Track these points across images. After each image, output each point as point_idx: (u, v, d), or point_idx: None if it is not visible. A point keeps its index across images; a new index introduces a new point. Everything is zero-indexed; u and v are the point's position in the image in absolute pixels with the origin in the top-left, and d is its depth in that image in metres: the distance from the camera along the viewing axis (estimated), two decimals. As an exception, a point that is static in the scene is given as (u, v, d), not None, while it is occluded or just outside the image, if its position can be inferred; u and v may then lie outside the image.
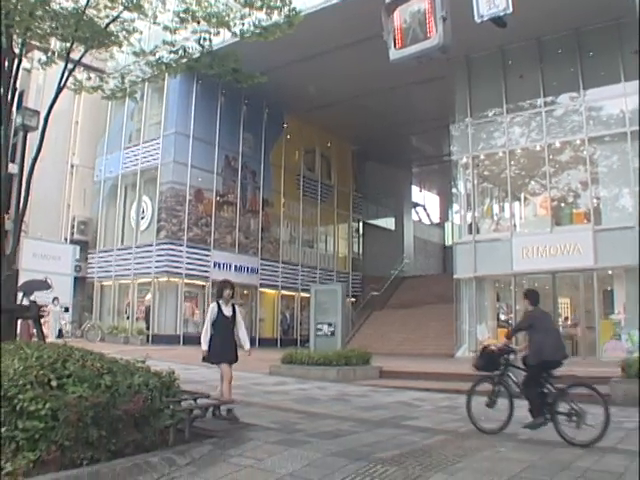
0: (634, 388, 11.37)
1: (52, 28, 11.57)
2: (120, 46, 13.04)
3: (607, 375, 13.06)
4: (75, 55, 12.22)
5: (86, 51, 12.35)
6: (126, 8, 12.03)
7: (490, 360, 8.96)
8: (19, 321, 12.01)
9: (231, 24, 12.84)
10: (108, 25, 12.11)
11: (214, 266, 32.29)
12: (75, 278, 32.12)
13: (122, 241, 33.31)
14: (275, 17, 13.20)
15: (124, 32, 12.68)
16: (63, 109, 28.95)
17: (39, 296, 16.62)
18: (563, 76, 24.96)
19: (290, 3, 12.87)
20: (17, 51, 11.13)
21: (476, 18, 7.34)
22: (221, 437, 7.46)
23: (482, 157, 27.22)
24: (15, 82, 11.00)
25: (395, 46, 7.37)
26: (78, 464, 5.71)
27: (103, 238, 34.27)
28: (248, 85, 14.32)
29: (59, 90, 11.76)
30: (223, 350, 9.14)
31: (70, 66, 11.97)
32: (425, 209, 56.87)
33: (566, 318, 25.42)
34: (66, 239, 33.98)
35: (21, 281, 15.27)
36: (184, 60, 13.55)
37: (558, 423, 7.91)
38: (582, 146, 24.38)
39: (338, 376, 16.43)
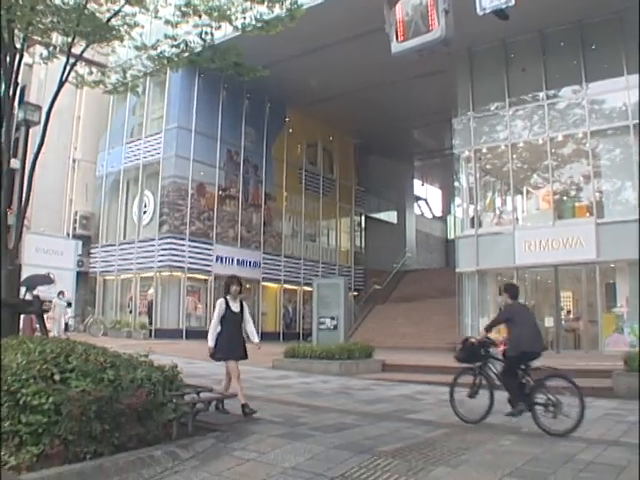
0: (636, 381, 11.36)
1: (53, 23, 11.54)
2: (122, 40, 13.01)
3: (609, 368, 13.06)
4: (77, 50, 12.21)
5: (88, 46, 12.33)
6: (127, 2, 12.00)
7: (471, 352, 9.13)
8: (22, 316, 12.02)
9: (233, 18, 12.81)
10: (109, 19, 12.08)
11: (216, 260, 32.31)
12: (78, 273, 32.18)
13: (124, 236, 33.32)
14: (277, 11, 13.18)
15: (125, 26, 12.64)
16: (65, 104, 28.92)
17: (42, 290, 16.66)
18: (565, 69, 24.85)
19: (292, -4, 12.84)
20: (18, 46, 11.12)
21: (478, 11, 7.33)
22: (224, 431, 7.47)
23: (484, 150, 27.16)
24: (17, 77, 10.99)
25: (397, 39, 7.36)
26: (82, 458, 5.73)
27: (105, 233, 34.28)
28: (250, 79, 14.30)
29: (61, 85, 11.75)
30: (231, 347, 9.00)
31: (72, 61, 11.96)
32: (427, 203, 56.81)
33: (568, 312, 25.39)
34: (68, 234, 34.03)
35: (24, 276, 15.31)
36: (186, 54, 13.52)
37: (536, 413, 8.14)
38: (584, 139, 24.30)
39: (341, 370, 16.45)
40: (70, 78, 12.41)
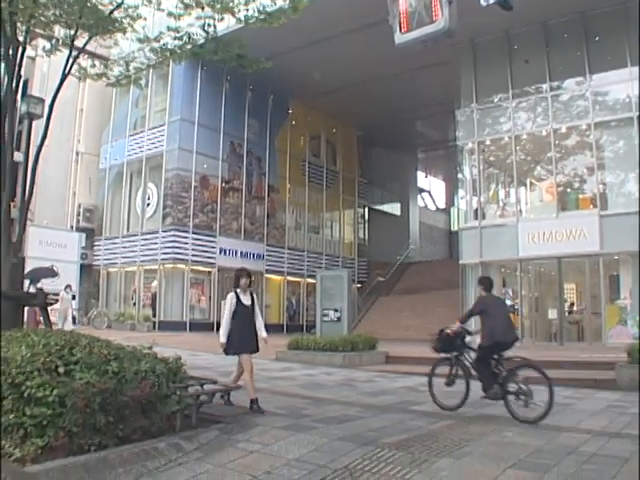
0: (638, 373, 11.37)
1: (56, 15, 11.53)
2: (124, 33, 12.99)
3: (613, 360, 13.06)
4: (79, 42, 12.20)
5: (90, 38, 12.32)
6: (130, -6, 12.02)
7: (447, 342, 9.50)
8: (26, 308, 12.05)
9: (235, 10, 12.78)
10: (112, 12, 12.06)
11: (220, 252, 32.35)
12: (81, 265, 32.20)
13: (128, 228, 33.36)
14: (280, 2, 13.16)
15: (128, 19, 12.62)
16: (68, 97, 28.92)
17: (46, 283, 16.71)
18: (569, 61, 24.77)
19: (295, -12, 12.81)
20: (21, 39, 11.11)
21: (482, 1, 7.31)
22: (228, 422, 7.49)
23: (488, 142, 27.11)
24: (20, 70, 10.99)
25: (400, 30, 7.35)
26: (86, 450, 5.75)
27: (109, 225, 34.34)
28: (253, 71, 14.27)
29: (63, 77, 11.74)
30: (243, 341, 8.81)
31: (74, 53, 11.96)
32: (431, 195, 56.74)
33: (572, 304, 25.40)
34: (72, 227, 34.06)
35: (28, 269, 15.36)
36: (189, 46, 13.51)
37: (508, 402, 8.39)
38: (588, 131, 24.25)
39: (344, 362, 16.46)
40: (73, 71, 12.40)
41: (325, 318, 19.58)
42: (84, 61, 13.89)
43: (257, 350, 9.01)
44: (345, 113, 38.42)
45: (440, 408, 9.15)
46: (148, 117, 33.42)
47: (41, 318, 11.24)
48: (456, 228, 38.64)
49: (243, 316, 8.90)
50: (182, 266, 30.98)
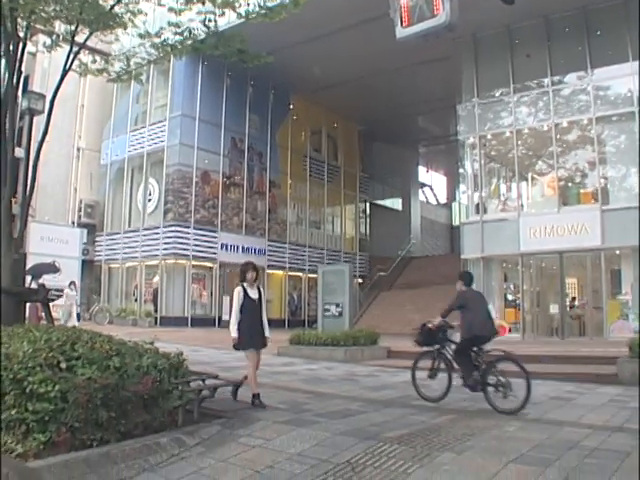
0: (639, 368, 11.37)
1: (56, 11, 11.50)
2: (125, 28, 12.95)
3: (614, 355, 13.06)
4: (80, 38, 12.18)
5: (91, 34, 12.28)
6: (131, -11, 11.99)
7: (429, 336, 9.71)
8: (28, 304, 12.06)
9: (236, 5, 12.74)
10: (113, 7, 12.03)
11: (221, 248, 32.38)
12: (83, 261, 32.23)
13: (129, 224, 33.39)
14: (280, -3, 13.13)
15: (129, 14, 12.59)
16: (69, 93, 28.90)
17: (47, 279, 16.69)
18: (570, 55, 24.73)
19: (295, -17, 12.76)
20: (22, 35, 11.09)
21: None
22: (230, 417, 7.50)
23: (489, 137, 27.10)
24: (20, 66, 10.98)
25: (401, 24, 7.34)
26: (88, 445, 5.76)
27: (110, 221, 34.37)
28: (254, 65, 14.22)
29: (64, 73, 11.72)
30: (251, 336, 8.69)
31: (75, 49, 11.93)
32: (432, 189, 56.77)
33: (573, 298, 25.41)
34: (73, 222, 34.07)
35: (29, 265, 15.35)
36: (189, 42, 13.46)
37: (488, 393, 8.67)
38: (589, 126, 24.22)
39: (346, 356, 16.47)
40: (74, 67, 12.37)
41: (327, 313, 19.56)
42: (85, 57, 13.87)
43: (265, 345, 8.94)
44: (346, 108, 38.41)
45: (423, 400, 9.40)
46: (149, 113, 33.41)
47: (43, 314, 11.24)
48: (457, 223, 38.69)
49: (251, 310, 8.79)
50: (183, 261, 31.01)
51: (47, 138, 11.71)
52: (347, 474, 5.52)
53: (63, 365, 5.92)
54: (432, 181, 57.10)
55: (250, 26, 14.01)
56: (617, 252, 23.32)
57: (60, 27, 12.86)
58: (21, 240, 11.03)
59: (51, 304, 10.88)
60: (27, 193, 11.13)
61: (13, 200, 10.97)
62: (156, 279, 31.38)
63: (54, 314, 11.92)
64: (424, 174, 55.52)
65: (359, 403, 9.06)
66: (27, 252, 19.42)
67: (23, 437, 5.53)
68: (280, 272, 36.39)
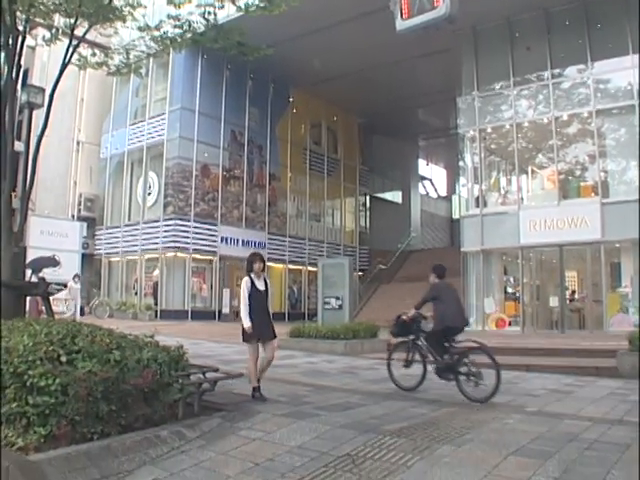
0: (639, 361, 11.38)
1: (56, 4, 11.46)
2: (124, 21, 12.90)
3: (614, 348, 13.07)
4: (79, 31, 12.15)
5: (90, 27, 12.25)
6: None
7: (404, 327, 10.04)
8: (28, 298, 12.06)
9: (235, -3, 12.73)
10: (112, 0, 12.01)
11: (221, 241, 32.40)
12: (83, 255, 32.20)
13: (129, 217, 33.41)
14: (280, -10, 13.07)
15: (128, 7, 12.55)
16: (68, 86, 28.90)
17: (47, 273, 16.72)
18: (571, 48, 24.69)
19: (295, -24, 12.72)
20: (21, 28, 11.06)
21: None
22: (230, 410, 7.50)
23: (489, 130, 27.09)
24: (19, 59, 10.95)
25: (401, 16, 7.33)
26: (89, 438, 5.77)
27: (110, 215, 34.38)
28: (254, 59, 14.18)
29: (64, 67, 11.69)
30: (260, 328, 8.57)
31: (74, 43, 11.90)
32: (432, 182, 56.78)
33: (573, 291, 25.43)
34: (73, 216, 34.07)
35: (29, 258, 15.36)
36: (189, 35, 13.43)
37: (460, 382, 8.93)
38: (590, 119, 24.22)
39: (346, 349, 16.48)
40: (73, 60, 12.33)
41: (327, 306, 19.55)
42: (84, 50, 13.84)
43: (275, 336, 8.87)
44: (346, 101, 38.40)
45: (399, 388, 9.76)
46: (149, 106, 33.39)
47: (43, 308, 11.24)
48: (457, 216, 38.69)
49: (258, 301, 8.71)
50: (183, 255, 31.03)
51: (47, 132, 11.68)
52: (347, 466, 5.53)
53: (63, 358, 5.92)
54: (432, 174, 57.13)
55: (249, 19, 13.96)
56: (617, 245, 23.34)
57: (59, 20, 12.82)
58: (21, 234, 11.01)
59: (51, 298, 10.87)
60: (27, 187, 11.11)
61: (13, 194, 10.95)
62: (156, 272, 31.41)
63: (61, 308, 11.94)
64: (424, 167, 55.54)
65: (359, 396, 9.07)
66: (27, 246, 19.38)
67: (24, 430, 5.54)
68: (280, 265, 36.41)
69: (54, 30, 12.76)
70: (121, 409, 6.08)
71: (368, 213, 45.43)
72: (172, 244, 30.50)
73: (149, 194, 32.33)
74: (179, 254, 30.95)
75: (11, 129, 10.69)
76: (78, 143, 35.36)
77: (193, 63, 31.51)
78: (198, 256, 31.74)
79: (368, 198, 45.52)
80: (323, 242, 39.74)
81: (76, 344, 6.18)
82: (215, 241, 32.19)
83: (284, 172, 37.30)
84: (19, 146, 11.65)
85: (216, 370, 8.33)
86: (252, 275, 8.83)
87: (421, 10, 7.12)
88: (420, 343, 9.85)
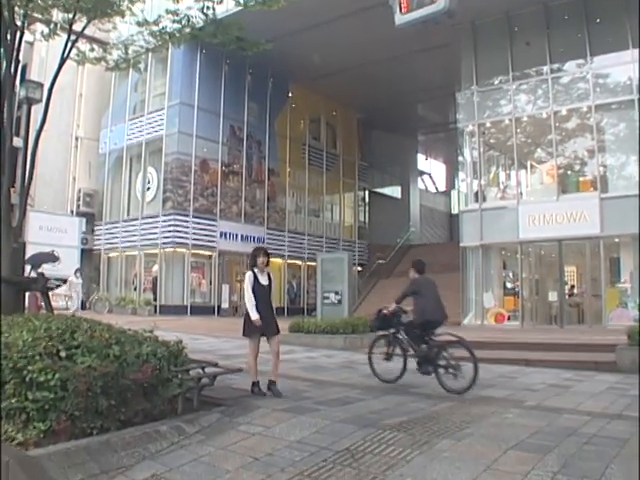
0: (638, 355, 11.39)
1: (54, -1, 11.48)
2: (123, 16, 12.90)
3: (613, 343, 13.09)
4: (78, 27, 12.13)
5: (89, 22, 12.24)
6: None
7: (384, 321, 10.39)
8: (27, 294, 12.06)
9: (234, -8, 12.72)
10: (110, -6, 12.00)
11: (220, 236, 32.38)
12: (82, 250, 32.26)
13: (128, 212, 33.38)
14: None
15: (127, 2, 12.54)
16: (67, 82, 28.87)
17: (46, 268, 16.71)
18: (570, 43, 24.63)
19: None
20: (19, 23, 11.05)
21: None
22: (229, 405, 7.51)
23: (488, 125, 27.07)
24: (18, 55, 10.94)
25: (401, 10, 7.32)
26: (88, 433, 5.78)
27: (109, 210, 34.35)
28: (253, 53, 14.19)
29: (62, 62, 11.69)
30: (263, 323, 8.44)
31: (73, 38, 11.89)
32: (431, 177, 56.71)
33: (572, 286, 25.44)
34: (72, 211, 34.10)
35: (28, 254, 15.36)
36: (188, 29, 13.42)
37: (439, 374, 9.20)
38: (589, 113, 24.19)
39: (345, 344, 16.47)
40: (72, 55, 12.33)
41: (326, 301, 19.57)
42: (83, 45, 13.82)
43: (278, 331, 8.80)
44: (345, 96, 38.34)
45: (380, 381, 10.02)
46: (147, 101, 33.34)
47: (42, 303, 11.24)
48: (456, 211, 38.59)
49: (261, 296, 8.61)
50: (183, 250, 31.02)
51: (45, 127, 11.70)
52: (347, 461, 5.54)
53: (63, 354, 5.93)
54: (431, 169, 57.03)
55: (248, 14, 13.96)
56: (616, 240, 23.33)
57: (58, 15, 12.80)
58: (20, 229, 11.02)
59: (51, 293, 10.88)
60: (26, 182, 11.12)
61: (12, 189, 10.95)
62: (155, 268, 31.41)
63: (57, 303, 11.94)
64: (423, 162, 55.45)
65: (358, 391, 9.09)
66: (26, 241, 19.43)
67: (23, 426, 5.55)
68: (279, 260, 36.37)
69: (52, 25, 12.76)
70: (120, 404, 6.09)
71: (367, 208, 45.40)
72: (171, 239, 30.48)
73: (148, 189, 32.30)
74: (178, 249, 30.94)
75: (10, 124, 10.69)
76: (77, 138, 35.32)
77: (192, 58, 31.46)
78: (197, 251, 31.73)
79: (367, 193, 45.48)
80: (322, 237, 39.72)
81: (75, 339, 6.18)
82: (214, 236, 32.18)
83: (283, 167, 37.28)
84: (18, 141, 11.66)
85: (215, 365, 8.33)
86: (255, 270, 8.76)
87: (420, 4, 7.11)
88: (400, 336, 10.11)
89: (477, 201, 26.33)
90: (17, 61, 10.93)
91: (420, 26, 7.40)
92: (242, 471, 5.39)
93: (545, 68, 25.04)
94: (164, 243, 30.71)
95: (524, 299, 24.96)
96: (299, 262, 37.84)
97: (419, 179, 53.83)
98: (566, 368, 12.23)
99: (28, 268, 14.31)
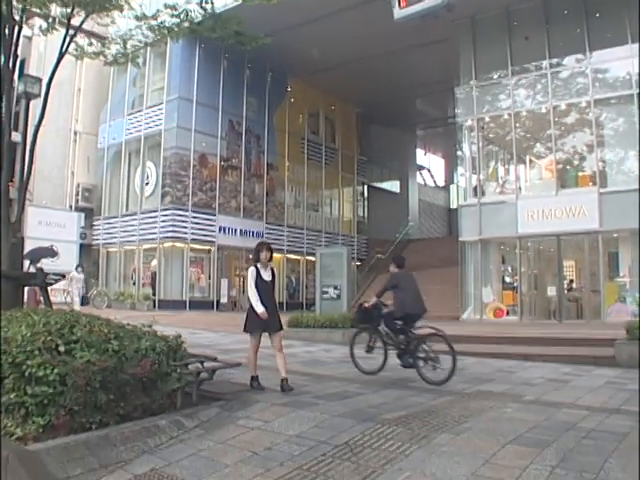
0: (637, 350, 11.41)
1: (52, -7, 11.45)
2: (121, 10, 12.88)
3: (612, 337, 13.09)
4: (76, 21, 12.10)
5: (87, 16, 12.21)
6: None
7: (365, 314, 10.58)
8: (26, 288, 12.06)
9: (233, -14, 12.71)
10: (109, -12, 11.97)
11: (219, 231, 32.38)
12: (81, 245, 32.25)
13: (127, 207, 33.38)
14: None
15: (125, -4, 12.53)
16: (65, 77, 28.84)
17: (45, 263, 16.68)
18: (569, 37, 24.61)
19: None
20: (17, 18, 11.02)
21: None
22: (228, 399, 7.52)
23: (487, 119, 27.06)
24: (16, 49, 10.91)
25: (399, 4, 7.34)
26: (87, 428, 5.78)
27: (108, 205, 34.34)
28: (251, 48, 14.18)
29: (60, 57, 11.67)
30: (266, 318, 8.38)
31: (71, 32, 11.86)
32: (430, 172, 56.71)
33: (571, 281, 25.45)
34: (71, 206, 34.08)
35: (27, 249, 15.33)
36: (186, 24, 13.39)
37: (418, 365, 9.48)
38: (588, 108, 24.17)
39: (344, 338, 16.41)
40: (70, 50, 12.31)
41: (325, 295, 19.58)
42: (81, 39, 13.80)
43: (281, 327, 8.76)
44: (344, 90, 38.29)
45: (361, 372, 10.22)
46: (146, 96, 33.30)
47: (41, 298, 11.24)
48: (455, 205, 38.65)
49: (264, 292, 8.53)
50: (181, 245, 31.03)
51: (44, 122, 11.68)
52: (345, 455, 5.54)
53: (62, 348, 5.93)
54: (430, 164, 57.04)
55: (247, 8, 13.99)
56: (615, 235, 23.35)
57: (56, 10, 12.77)
58: (19, 224, 11.02)
59: (50, 288, 10.87)
60: (24, 177, 11.11)
61: (11, 184, 10.94)
62: (154, 262, 31.42)
63: (56, 298, 11.94)
64: (422, 157, 55.45)
65: (357, 385, 9.09)
66: (25, 236, 19.41)
67: (22, 420, 5.55)
68: (278, 255, 36.27)
69: (51, 20, 12.72)
70: (119, 399, 6.10)
71: (366, 203, 45.40)
72: (170, 234, 30.48)
73: (147, 184, 32.29)
74: (177, 244, 30.94)
75: (8, 119, 10.68)
76: (75, 133, 35.29)
77: (191, 53, 31.43)
78: (196, 246, 31.74)
79: (366, 188, 45.48)
80: (321, 232, 39.74)
81: (74, 334, 6.18)
82: (213, 231, 32.18)
83: (282, 162, 37.27)
84: (16, 136, 11.64)
85: (214, 359, 8.33)
86: (258, 265, 8.66)
87: (419, -2, 7.12)
88: (381, 329, 10.29)
89: (476, 196, 26.34)
90: (15, 56, 10.90)
91: (419, 20, 7.42)
92: (241, 465, 5.40)
93: (544, 63, 25.02)
94: (163, 238, 30.70)
95: (523, 294, 24.99)
96: (298, 257, 37.85)
97: (418, 174, 53.81)
98: (565, 363, 12.23)
99: (27, 263, 14.27)
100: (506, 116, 26.14)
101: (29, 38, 24.92)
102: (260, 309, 8.35)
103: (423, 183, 54.92)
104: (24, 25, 11.40)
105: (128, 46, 14.81)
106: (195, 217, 31.34)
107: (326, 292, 19.51)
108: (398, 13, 7.08)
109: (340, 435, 6.11)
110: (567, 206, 23.44)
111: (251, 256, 9.05)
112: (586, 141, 24.68)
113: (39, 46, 29.41)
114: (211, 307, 31.32)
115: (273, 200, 36.51)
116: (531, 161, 26.99)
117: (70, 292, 25.17)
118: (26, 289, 12.11)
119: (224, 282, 32.24)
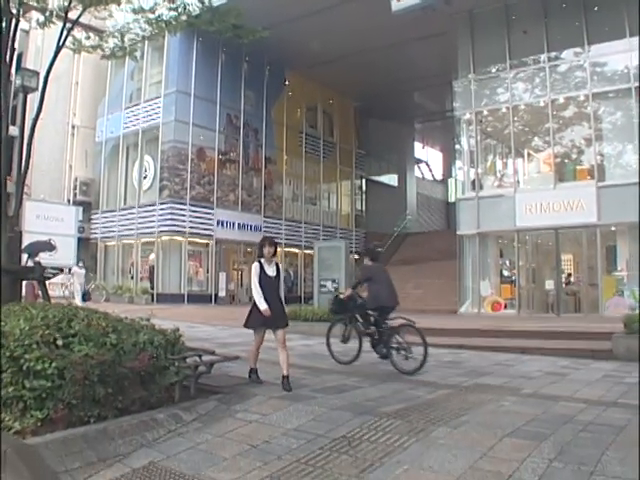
0: (636, 343, 11.43)
1: (49, -14, 11.41)
2: (119, 4, 12.82)
3: (609, 331, 13.11)
4: (73, 15, 12.06)
5: (84, 10, 12.16)
6: (124, -36, 11.86)
7: (341, 306, 10.99)
8: (24, 282, 12.05)
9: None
10: (106, -18, 11.93)
11: (217, 224, 32.38)
12: (79, 239, 32.22)
13: (125, 201, 33.39)
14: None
15: (123, -11, 12.49)
16: (63, 70, 28.80)
17: (43, 257, 16.68)
18: (567, 31, 24.55)
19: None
20: (14, 11, 10.98)
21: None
22: (226, 393, 7.53)
23: (485, 113, 27.03)
24: (13, 43, 10.88)
25: (397, -1, 7.31)
26: (86, 422, 5.79)
27: (106, 198, 34.33)
28: (249, 41, 14.14)
29: (58, 50, 11.62)
30: (272, 315, 8.23)
31: (68, 26, 11.82)
32: (428, 165, 56.67)
33: (569, 274, 25.46)
34: (69, 200, 34.08)
35: (25, 243, 15.32)
36: (184, 17, 13.36)
37: (392, 355, 9.86)
38: (586, 102, 24.15)
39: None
40: (67, 43, 12.27)
41: (323, 289, 19.61)
42: (79, 33, 13.76)
43: (287, 324, 8.60)
44: (342, 84, 38.25)
45: (337, 362, 10.70)
46: (144, 89, 33.26)
47: (39, 292, 11.23)
48: (453, 199, 38.64)
49: (268, 288, 8.37)
50: (179, 238, 31.02)
51: (41, 116, 11.63)
52: (343, 448, 5.55)
53: (60, 342, 5.92)
54: (428, 157, 57.00)
55: (245, 1, 13.96)
56: (613, 228, 23.36)
57: (53, 3, 12.73)
58: (16, 218, 11.01)
59: (48, 282, 10.87)
60: (22, 171, 11.07)
61: (8, 179, 10.92)
62: (152, 256, 31.42)
63: (54, 292, 11.94)
64: (420, 150, 55.40)
65: (355, 378, 9.10)
66: (23, 230, 19.38)
67: (21, 414, 5.55)
68: (276, 249, 36.34)
69: (48, 13, 12.67)
70: (117, 392, 6.10)
71: (364, 196, 45.42)
72: (168, 228, 30.48)
73: (145, 178, 32.27)
74: (175, 238, 30.94)
75: (6, 113, 10.64)
76: (73, 127, 35.28)
77: (188, 46, 31.38)
78: (194, 240, 31.73)
79: (364, 181, 45.50)
80: (319, 225, 39.78)
81: (72, 328, 6.18)
82: (211, 225, 32.18)
83: (280, 155, 37.26)
84: (14, 130, 11.62)
85: (212, 353, 8.33)
86: (262, 260, 8.51)
87: (417, -8, 7.10)
88: (356, 320, 10.71)
89: (474, 189, 26.33)
90: (13, 49, 10.86)
91: (417, 13, 7.40)
92: (239, 458, 5.41)
93: (542, 56, 24.98)
94: (161, 231, 30.70)
95: (521, 287, 25.02)
96: (296, 250, 37.86)
97: (416, 167, 53.76)
98: (562, 356, 12.26)
99: (25, 257, 14.27)
100: (504, 110, 26.11)
101: (26, 32, 24.89)
102: (263, 306, 8.21)
103: (421, 176, 54.88)
104: (21, 18, 11.36)
105: (126, 39, 14.75)
106: (193, 211, 31.34)
107: (324, 285, 19.55)
108: (396, 5, 7.06)
109: (338, 428, 6.12)
110: (565, 200, 23.44)
111: (249, 249, 9.04)
112: (584, 135, 24.68)
113: (36, 40, 29.35)
114: (209, 301, 31.34)
115: (271, 194, 36.51)
116: (529, 155, 26.98)
117: (71, 287, 25.21)
118: (24, 283, 12.10)
119: (222, 276, 32.25)
